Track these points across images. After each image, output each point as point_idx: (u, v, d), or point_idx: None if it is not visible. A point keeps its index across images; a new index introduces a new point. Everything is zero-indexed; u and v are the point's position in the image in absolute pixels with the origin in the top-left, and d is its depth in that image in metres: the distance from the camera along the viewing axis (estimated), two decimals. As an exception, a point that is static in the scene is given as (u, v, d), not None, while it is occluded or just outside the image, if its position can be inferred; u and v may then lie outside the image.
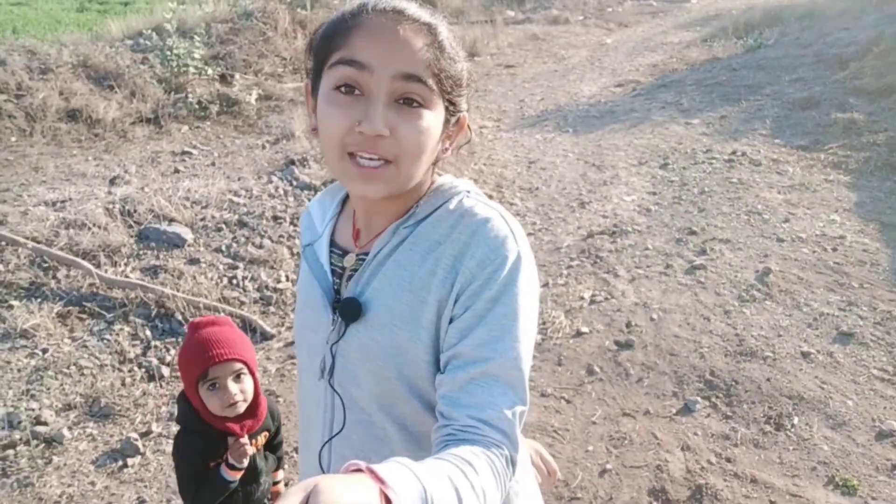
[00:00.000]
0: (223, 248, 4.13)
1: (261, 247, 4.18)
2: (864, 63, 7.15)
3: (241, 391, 1.60)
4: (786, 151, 5.71)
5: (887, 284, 3.70)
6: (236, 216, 4.43)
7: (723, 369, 3.11)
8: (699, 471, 2.59)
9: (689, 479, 2.55)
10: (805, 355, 3.16)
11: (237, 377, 1.59)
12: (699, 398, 2.95)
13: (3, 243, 3.76)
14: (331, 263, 1.04)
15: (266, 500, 1.86)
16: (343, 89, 0.86)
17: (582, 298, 3.76)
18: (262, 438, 1.76)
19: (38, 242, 3.81)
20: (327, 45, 0.88)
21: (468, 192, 0.99)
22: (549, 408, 2.98)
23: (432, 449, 0.88)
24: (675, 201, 4.93)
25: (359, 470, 0.66)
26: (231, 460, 1.59)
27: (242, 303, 3.76)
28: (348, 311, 0.96)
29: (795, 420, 2.79)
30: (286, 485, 2.59)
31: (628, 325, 3.48)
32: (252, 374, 1.63)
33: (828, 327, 3.36)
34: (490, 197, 5.05)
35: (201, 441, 1.62)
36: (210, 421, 1.60)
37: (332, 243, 1.06)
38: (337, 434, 1.01)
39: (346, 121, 0.85)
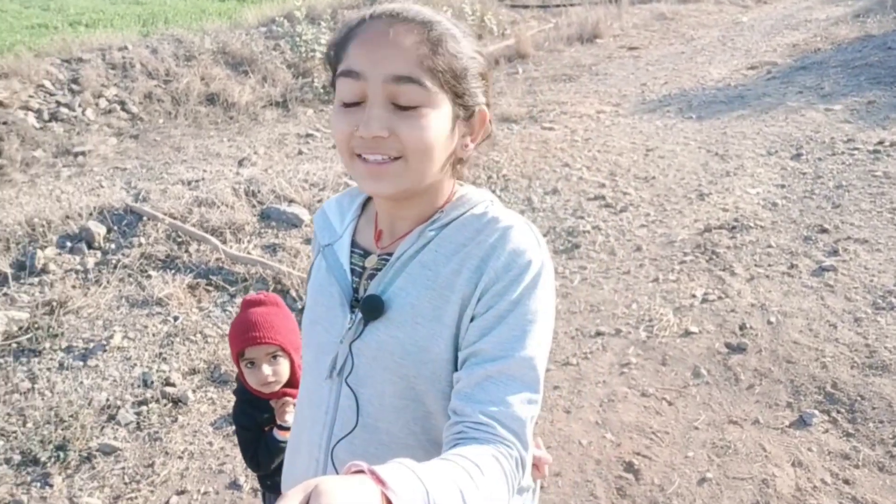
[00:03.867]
0: (337, 229, 4.31)
1: (372, 229, 4.33)
2: None
3: (274, 372, 1.68)
4: (944, 142, 5.10)
5: None
6: (350, 199, 4.60)
7: (847, 382, 2.87)
8: (811, 490, 2.42)
9: (799, 498, 2.39)
10: (947, 373, 2.85)
11: (272, 358, 1.68)
12: (817, 411, 2.74)
13: (146, 218, 4.14)
14: (351, 263, 1.04)
15: None
16: (346, 99, 0.90)
17: (693, 296, 3.58)
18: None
19: (174, 218, 4.15)
20: (334, 57, 0.94)
21: (492, 201, 1.01)
22: (649, 408, 2.88)
23: (443, 446, 0.88)
24: (807, 195, 4.56)
25: (360, 471, 0.66)
26: (279, 421, 1.69)
27: (352, 283, 3.92)
28: (370, 307, 0.96)
29: (929, 445, 2.53)
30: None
31: (742, 327, 3.28)
32: (289, 355, 1.71)
33: (979, 344, 3.00)
34: (601, 185, 4.93)
35: (252, 408, 1.73)
36: (255, 393, 1.71)
37: (353, 244, 1.06)
38: (346, 436, 0.99)
39: (347, 127, 0.89)
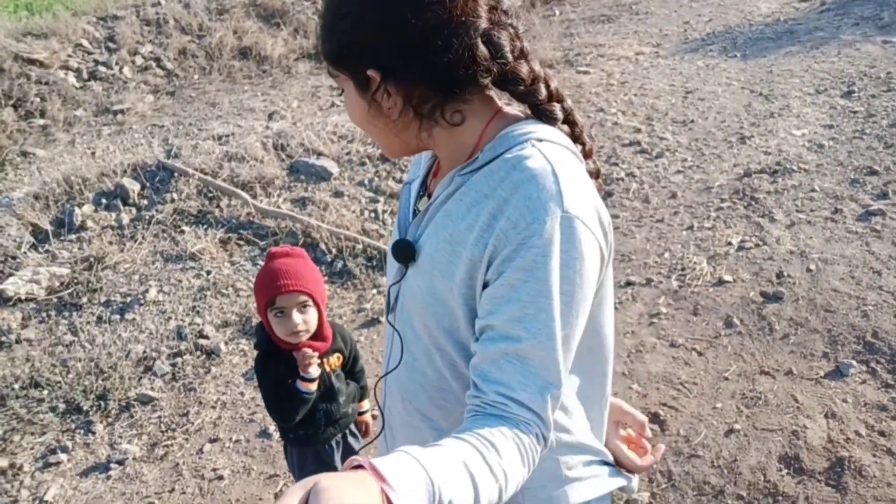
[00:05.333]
0: (366, 181, 4.29)
1: (401, 181, 4.29)
2: None
3: (304, 321, 1.68)
4: None
5: None
6: (379, 150, 4.56)
7: (890, 332, 2.75)
8: (843, 442, 2.35)
9: (830, 450, 2.33)
10: None
11: (302, 307, 1.68)
12: (854, 361, 2.64)
13: (177, 174, 4.20)
14: (415, 205, 1.05)
15: (353, 427, 1.97)
16: None
17: (729, 244, 3.46)
18: (335, 359, 1.85)
19: (205, 174, 4.20)
20: None
21: (539, 140, 0.88)
22: (678, 359, 2.83)
23: (465, 411, 0.86)
24: (857, 135, 4.32)
25: (361, 466, 0.65)
26: (302, 373, 1.70)
27: (381, 235, 3.92)
28: (399, 253, 0.97)
29: (974, 396, 2.42)
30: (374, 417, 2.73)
31: (779, 275, 3.16)
32: (317, 305, 1.71)
33: None
34: (637, 131, 4.77)
35: (276, 361, 1.74)
36: (280, 344, 1.72)
37: (423, 184, 1.06)
38: (393, 370, 1.04)
39: None
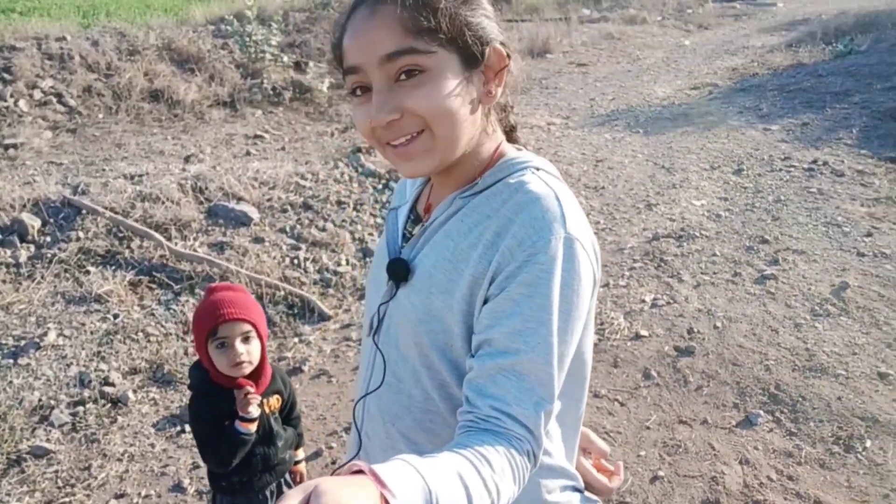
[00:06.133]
0: (287, 228, 4.21)
1: (323, 230, 4.25)
2: (965, 73, 6.69)
3: (247, 352, 1.62)
4: (872, 163, 5.40)
5: (978, 308, 3.45)
6: (301, 199, 4.51)
7: (790, 384, 2.97)
8: (758, 486, 2.48)
9: (747, 494, 2.45)
10: (882, 376, 2.98)
11: (245, 338, 1.63)
12: (762, 412, 2.83)
13: (84, 212, 3.95)
14: (405, 228, 1.05)
15: (287, 477, 1.88)
16: (357, 91, 0.88)
17: (643, 301, 3.66)
18: (274, 401, 1.78)
19: (116, 213, 3.98)
20: (336, 56, 0.92)
21: (537, 168, 0.93)
22: (601, 409, 2.91)
23: (455, 429, 0.86)
24: (748, 208, 4.74)
25: (361, 471, 0.65)
26: (241, 413, 1.62)
27: (303, 283, 3.83)
28: (393, 270, 0.97)
29: (868, 443, 2.63)
30: (334, 462, 2.63)
31: (690, 331, 3.36)
32: (260, 338, 1.66)
33: (908, 349, 3.16)
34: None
35: (213, 400, 1.66)
36: (219, 381, 1.64)
37: (413, 210, 1.07)
38: (372, 392, 1.02)
39: (365, 120, 0.87)
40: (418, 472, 0.68)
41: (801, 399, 2.88)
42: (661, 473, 2.54)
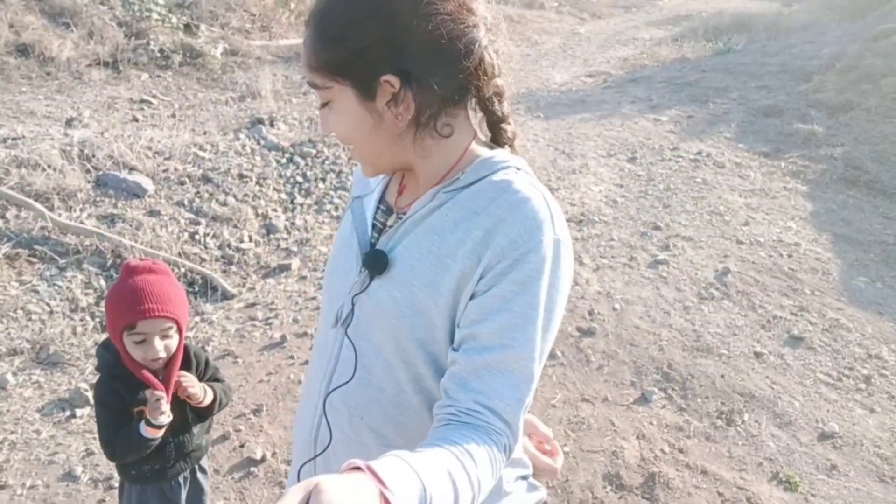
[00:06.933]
0: (185, 202, 3.99)
1: (225, 204, 4.06)
2: (826, 77, 7.38)
3: (165, 347, 1.54)
4: (748, 156, 5.86)
5: (836, 293, 3.86)
6: (200, 171, 4.28)
7: (680, 363, 3.20)
8: (653, 459, 2.66)
9: (643, 467, 2.62)
10: (758, 355, 3.28)
11: (165, 333, 1.54)
12: (656, 389, 3.03)
13: (-52, 177, 3.54)
14: (374, 219, 1.03)
15: (202, 462, 1.81)
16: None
17: (547, 283, 3.78)
18: (188, 382, 1.62)
19: (-13, 179, 3.60)
20: None
21: (517, 168, 0.94)
22: (510, 388, 3.00)
23: (433, 421, 0.87)
24: (642, 195, 5.02)
25: (359, 468, 0.66)
26: (150, 417, 1.52)
27: (203, 260, 3.65)
28: (373, 262, 0.96)
29: (746, 417, 2.89)
30: (242, 446, 2.55)
31: (591, 312, 3.53)
32: (180, 332, 1.57)
33: (780, 330, 3.49)
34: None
35: (122, 386, 1.56)
36: (130, 367, 1.54)
37: (382, 200, 1.05)
38: (341, 386, 0.98)
39: None
40: (414, 469, 0.70)
41: (689, 377, 3.11)
42: (566, 450, 2.67)
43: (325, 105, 0.92)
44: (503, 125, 0.98)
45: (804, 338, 3.42)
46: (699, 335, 3.40)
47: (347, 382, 0.99)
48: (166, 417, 1.54)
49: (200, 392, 1.61)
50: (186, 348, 1.67)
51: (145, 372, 1.54)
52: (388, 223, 1.01)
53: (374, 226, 1.03)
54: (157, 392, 1.52)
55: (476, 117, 0.99)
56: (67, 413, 2.64)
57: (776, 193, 5.17)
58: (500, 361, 0.85)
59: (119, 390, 1.58)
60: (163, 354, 1.55)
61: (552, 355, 3.20)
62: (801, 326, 3.51)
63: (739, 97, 7.31)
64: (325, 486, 0.60)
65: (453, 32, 0.86)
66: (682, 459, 2.68)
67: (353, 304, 0.99)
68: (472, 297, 0.88)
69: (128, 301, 1.50)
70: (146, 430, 1.54)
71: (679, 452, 2.72)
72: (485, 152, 0.96)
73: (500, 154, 0.96)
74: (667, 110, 6.99)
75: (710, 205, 4.89)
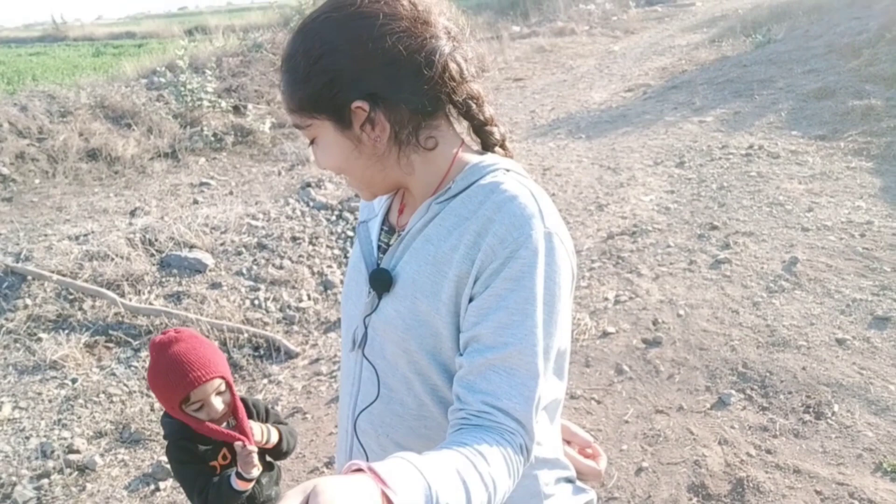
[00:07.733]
0: (244, 270, 4.15)
1: (281, 267, 4.20)
2: (877, 49, 7.06)
3: (223, 402, 1.58)
4: (804, 142, 5.63)
5: (920, 266, 3.61)
6: (255, 239, 4.45)
7: (756, 361, 3.04)
8: (739, 464, 2.52)
9: (730, 473, 2.48)
10: (840, 342, 3.08)
11: (217, 391, 1.58)
12: (733, 391, 2.88)
13: (30, 278, 3.82)
14: (379, 240, 1.05)
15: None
16: None
17: (606, 299, 3.71)
18: (256, 430, 1.65)
19: (63, 275, 3.86)
20: None
21: (507, 169, 0.95)
22: (579, 409, 2.92)
23: (448, 429, 0.87)
24: (694, 198, 4.88)
25: (361, 469, 0.66)
26: (242, 471, 1.55)
27: (266, 323, 3.77)
28: (377, 281, 0.97)
29: (836, 408, 2.71)
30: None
31: (655, 322, 3.42)
32: (229, 384, 1.61)
33: (862, 313, 3.27)
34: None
35: (192, 444, 1.61)
36: (201, 432, 1.57)
37: (385, 221, 1.07)
38: (367, 407, 1.00)
39: None
40: (418, 469, 0.69)
41: (768, 374, 2.94)
42: (644, 465, 2.56)
43: (312, 142, 0.95)
44: (488, 128, 0.99)
45: (891, 317, 3.19)
46: (773, 329, 3.23)
47: (372, 403, 1.00)
48: (257, 470, 1.58)
49: (260, 433, 1.64)
50: (243, 399, 1.72)
51: (222, 429, 1.57)
52: (391, 242, 1.03)
53: (379, 247, 1.04)
54: (248, 447, 1.55)
55: (461, 125, 1.00)
56: (152, 487, 2.74)
57: (839, 175, 4.92)
58: (503, 360, 0.84)
59: (189, 447, 1.64)
60: (225, 410, 1.60)
61: (619, 370, 3.11)
62: (885, 306, 3.28)
63: (786, 85, 7.07)
64: (323, 487, 0.60)
65: (411, 47, 0.87)
66: (771, 460, 2.52)
67: (365, 326, 1.00)
68: (470, 301, 0.88)
69: (172, 377, 1.54)
70: (238, 484, 1.58)
71: (767, 454, 2.56)
72: (473, 158, 0.97)
73: (489, 158, 0.97)
74: (711, 111, 6.83)
75: (768, 196, 4.70)
